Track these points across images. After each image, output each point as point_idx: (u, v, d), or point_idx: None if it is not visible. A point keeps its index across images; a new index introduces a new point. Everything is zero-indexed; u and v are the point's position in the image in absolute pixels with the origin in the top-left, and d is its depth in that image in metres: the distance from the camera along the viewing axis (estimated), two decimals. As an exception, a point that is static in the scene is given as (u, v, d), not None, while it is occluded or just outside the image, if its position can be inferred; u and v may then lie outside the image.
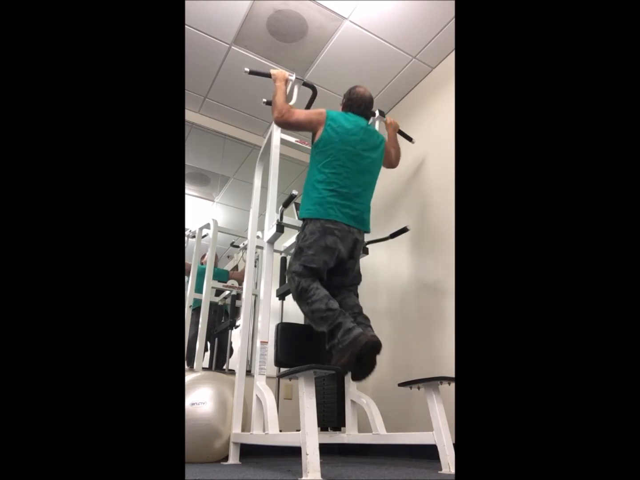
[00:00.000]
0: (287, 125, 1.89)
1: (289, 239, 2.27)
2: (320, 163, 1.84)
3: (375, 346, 1.50)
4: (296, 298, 1.72)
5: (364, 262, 2.54)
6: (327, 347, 1.59)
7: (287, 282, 1.77)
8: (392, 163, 2.25)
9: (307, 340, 1.96)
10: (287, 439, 1.58)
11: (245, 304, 2.18)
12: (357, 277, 1.90)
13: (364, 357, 1.49)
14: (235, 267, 3.20)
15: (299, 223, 1.94)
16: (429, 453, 1.64)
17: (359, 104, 1.99)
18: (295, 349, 1.91)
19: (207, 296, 2.64)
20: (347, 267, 1.84)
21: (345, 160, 1.83)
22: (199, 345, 2.50)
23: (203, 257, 2.91)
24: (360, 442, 1.93)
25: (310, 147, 2.43)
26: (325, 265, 1.72)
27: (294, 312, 2.90)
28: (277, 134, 2.25)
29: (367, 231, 1.90)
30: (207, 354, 2.78)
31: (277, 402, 2.16)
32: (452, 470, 1.39)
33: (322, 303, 1.59)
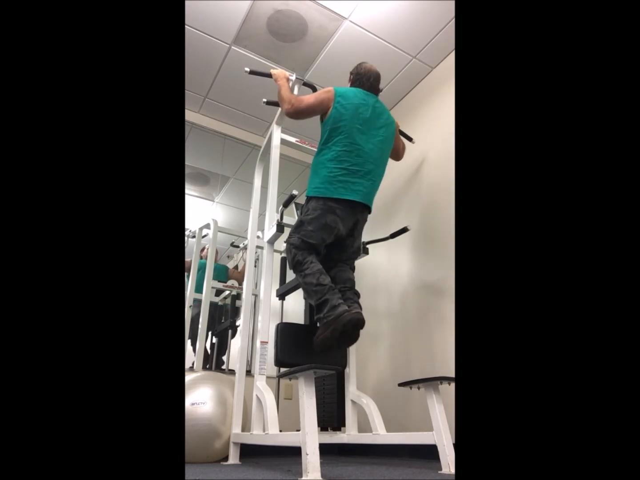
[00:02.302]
0: (299, 113, 1.89)
1: (289, 239, 2.27)
2: (331, 141, 1.84)
3: (357, 323, 1.56)
4: (291, 268, 1.79)
5: (363, 262, 2.54)
6: (314, 319, 1.67)
7: (285, 251, 1.83)
8: (399, 154, 2.25)
9: (307, 340, 1.95)
10: (287, 439, 1.58)
11: (245, 304, 2.18)
12: (356, 253, 1.94)
13: (346, 332, 1.56)
14: (235, 267, 3.20)
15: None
16: (429, 453, 1.64)
17: (368, 77, 1.98)
18: (295, 349, 1.91)
19: (207, 296, 2.64)
20: (346, 244, 1.87)
21: (356, 137, 1.83)
22: (199, 345, 2.50)
23: (202, 250, 2.91)
24: (360, 442, 1.93)
25: (310, 147, 2.44)
26: (323, 242, 1.77)
27: (294, 312, 2.91)
28: (277, 134, 2.25)
29: (371, 209, 1.91)
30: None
31: (277, 402, 2.16)
32: (452, 470, 1.39)
33: (314, 277, 1.65)
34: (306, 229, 1.75)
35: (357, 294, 1.83)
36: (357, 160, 1.81)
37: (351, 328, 1.55)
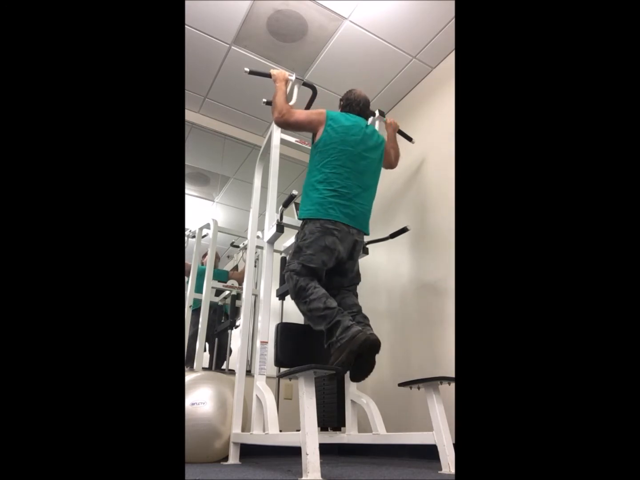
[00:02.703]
0: (287, 125, 1.89)
1: (289, 239, 2.27)
2: (320, 163, 1.84)
3: (374, 344, 1.49)
4: (294, 297, 1.71)
5: (363, 262, 2.54)
6: (326, 345, 1.58)
7: (285, 280, 1.77)
8: (392, 163, 2.25)
9: (307, 340, 1.95)
10: (287, 439, 1.58)
11: (245, 304, 2.18)
12: (356, 278, 1.90)
13: (362, 356, 1.49)
14: (235, 267, 3.20)
15: (299, 223, 1.94)
16: (429, 453, 1.64)
17: (357, 102, 2.01)
18: (295, 349, 1.91)
19: (207, 296, 2.64)
20: (346, 268, 1.83)
21: (346, 160, 1.82)
22: (199, 345, 2.50)
23: (204, 256, 2.90)
24: (360, 442, 1.93)
25: (310, 147, 2.44)
26: (324, 266, 1.71)
27: (294, 312, 2.90)
28: (277, 134, 2.25)
29: (367, 233, 1.89)
30: (207, 354, 2.78)
31: (277, 402, 2.16)
32: (452, 470, 1.39)
33: (320, 302, 1.58)
34: (305, 254, 1.70)
35: (367, 318, 1.77)
36: (346, 182, 1.80)
37: (367, 350, 1.47)
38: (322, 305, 1.57)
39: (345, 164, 1.82)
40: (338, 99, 2.15)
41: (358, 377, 1.60)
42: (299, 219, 1.84)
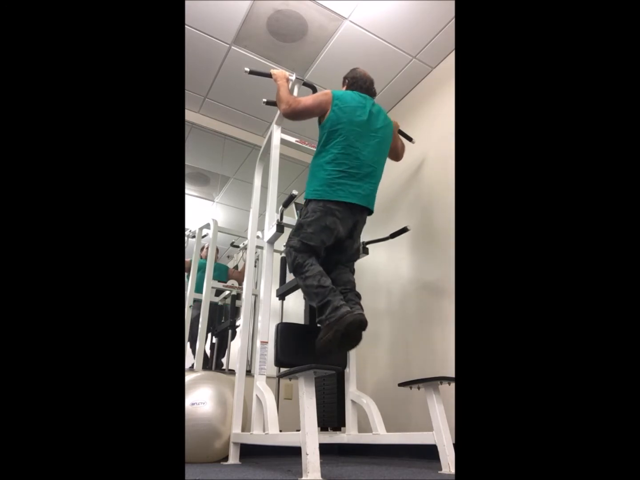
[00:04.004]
0: (297, 114, 1.89)
1: (289, 239, 2.27)
2: (329, 144, 1.83)
3: (360, 324, 1.55)
4: (292, 271, 1.78)
5: (363, 262, 2.54)
6: (317, 322, 1.66)
7: (285, 254, 1.82)
8: (398, 155, 2.25)
9: (307, 340, 1.95)
10: (287, 439, 1.58)
11: (245, 304, 2.18)
12: (355, 255, 1.94)
13: (349, 334, 1.55)
14: (235, 267, 3.20)
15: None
16: (429, 453, 1.64)
17: (364, 81, 2.00)
18: (295, 349, 1.91)
19: (207, 296, 2.64)
20: (346, 246, 1.87)
21: (354, 140, 1.82)
22: (199, 345, 2.50)
23: (202, 249, 2.90)
24: (360, 442, 1.93)
25: (310, 147, 2.44)
26: (323, 244, 1.76)
27: (294, 312, 2.91)
28: (277, 134, 2.25)
29: (372, 211, 1.90)
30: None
31: (277, 402, 2.16)
32: (452, 470, 1.39)
33: (315, 279, 1.64)
34: (306, 232, 1.75)
35: (359, 296, 1.82)
36: (355, 162, 1.80)
37: (354, 329, 1.54)
38: (316, 282, 1.64)
39: (354, 143, 1.82)
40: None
41: (345, 349, 1.72)
42: (305, 199, 1.84)
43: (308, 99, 1.89)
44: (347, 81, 2.05)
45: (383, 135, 1.93)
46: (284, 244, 2.27)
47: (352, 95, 1.92)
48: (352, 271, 1.93)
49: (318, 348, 1.58)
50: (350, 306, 1.63)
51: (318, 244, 1.74)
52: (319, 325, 1.64)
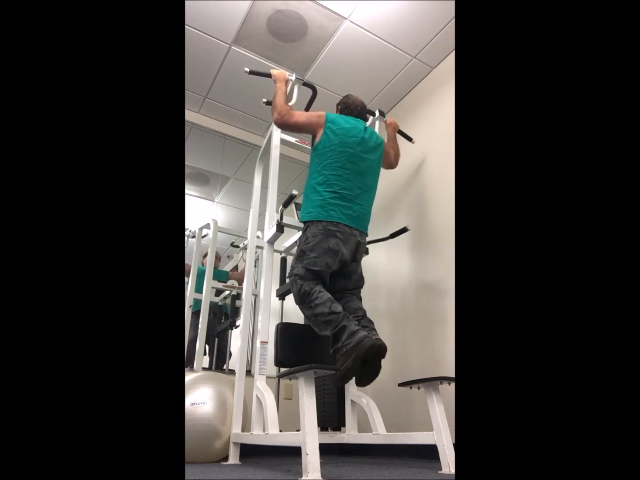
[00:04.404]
0: (286, 126, 1.90)
1: (289, 239, 2.27)
2: (320, 165, 1.84)
3: (379, 349, 1.47)
4: (298, 302, 1.69)
5: (364, 262, 2.54)
6: (331, 351, 1.57)
7: (289, 285, 1.75)
8: (392, 163, 2.25)
9: (307, 340, 1.96)
10: (287, 439, 1.58)
11: (245, 304, 2.18)
12: (360, 281, 1.88)
13: (368, 361, 1.47)
14: (235, 267, 3.20)
15: (299, 223, 1.94)
16: (429, 453, 1.64)
17: (355, 106, 2.02)
18: (295, 349, 1.91)
19: (207, 296, 2.64)
20: (350, 270, 1.82)
21: (345, 162, 1.82)
22: (199, 345, 2.50)
23: (204, 256, 2.90)
24: (360, 442, 1.93)
25: (310, 147, 2.44)
26: (328, 268, 1.70)
27: (294, 312, 2.90)
28: (277, 134, 2.25)
29: (366, 234, 1.89)
30: (207, 356, 2.78)
31: (277, 402, 2.16)
32: (452, 470, 1.39)
33: (326, 306, 1.56)
34: (309, 257, 1.69)
35: (372, 322, 1.75)
36: (347, 184, 1.80)
37: (373, 355, 1.45)
38: (328, 310, 1.55)
39: (345, 165, 1.82)
40: (338, 99, 2.15)
41: (364, 381, 1.57)
42: (301, 221, 1.83)
43: (301, 116, 1.90)
44: (339, 107, 2.07)
45: (374, 157, 1.93)
46: (286, 242, 2.28)
47: (346, 119, 1.94)
48: (360, 299, 1.87)
49: (336, 380, 1.46)
50: (367, 331, 1.55)
51: (323, 268, 1.68)
52: (336, 356, 1.52)
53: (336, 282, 1.80)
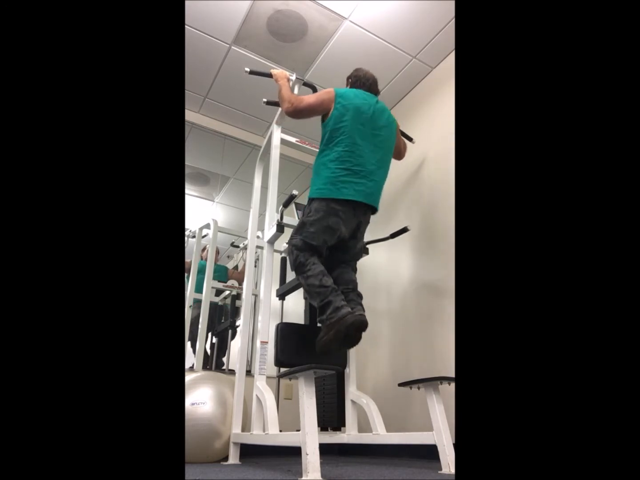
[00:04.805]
0: (299, 112, 1.88)
1: (289, 239, 2.27)
2: (332, 142, 1.82)
3: (361, 325, 1.56)
4: (293, 270, 1.77)
5: (364, 262, 2.54)
6: (317, 321, 1.66)
7: (287, 253, 1.82)
8: (400, 153, 2.24)
9: (307, 340, 1.95)
10: (287, 439, 1.58)
11: (245, 304, 2.18)
12: (358, 254, 1.94)
13: (349, 335, 1.56)
14: (235, 267, 3.20)
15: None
16: (429, 453, 1.64)
17: (366, 79, 2.00)
18: (295, 349, 1.91)
19: (207, 296, 2.64)
20: (349, 245, 1.86)
21: (357, 138, 1.81)
22: (199, 345, 2.50)
23: (203, 250, 2.90)
24: (360, 442, 1.93)
25: (310, 147, 2.44)
26: (325, 244, 1.75)
27: (294, 312, 2.91)
28: (277, 134, 2.25)
29: (377, 209, 1.89)
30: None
31: (277, 402, 2.16)
32: (452, 470, 1.39)
33: (317, 279, 1.64)
34: (308, 231, 1.74)
35: (360, 296, 1.82)
36: (359, 160, 1.79)
37: (354, 330, 1.55)
38: (318, 282, 1.63)
39: (357, 141, 1.81)
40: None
41: (344, 348, 1.73)
42: (310, 198, 1.83)
43: (311, 97, 1.89)
44: (350, 80, 2.04)
45: (387, 133, 1.92)
46: (286, 241, 2.28)
47: (356, 93, 1.91)
48: (355, 270, 1.93)
49: (318, 348, 1.58)
50: (351, 307, 1.63)
51: (320, 244, 1.74)
52: (319, 325, 1.65)
53: (334, 253, 1.86)
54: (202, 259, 2.88)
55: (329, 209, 1.74)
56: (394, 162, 2.31)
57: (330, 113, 1.86)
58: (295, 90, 2.11)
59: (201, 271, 2.76)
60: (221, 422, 1.94)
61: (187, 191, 3.22)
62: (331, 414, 2.25)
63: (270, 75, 2.07)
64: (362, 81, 1.99)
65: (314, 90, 2.22)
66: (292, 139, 2.39)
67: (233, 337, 2.86)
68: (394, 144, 2.00)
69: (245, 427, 2.01)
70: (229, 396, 2.02)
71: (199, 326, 2.55)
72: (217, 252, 3.03)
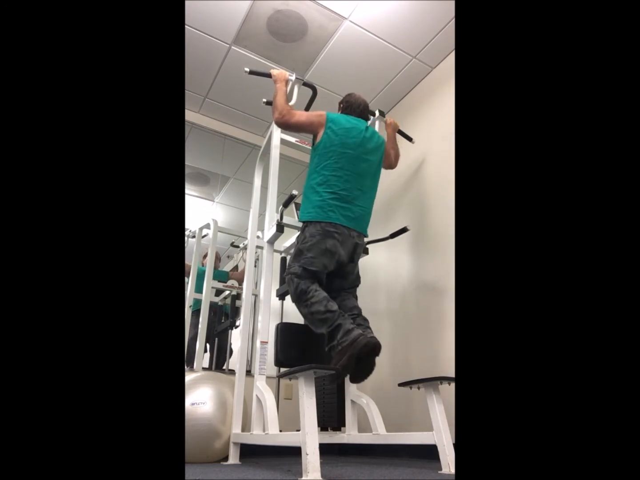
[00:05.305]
0: (287, 126, 1.90)
1: (289, 239, 2.27)
2: (320, 165, 1.83)
3: (374, 347, 1.50)
4: (295, 300, 1.71)
5: (364, 261, 2.54)
6: (327, 349, 1.59)
7: (286, 283, 1.76)
8: (392, 164, 2.25)
9: (307, 340, 1.96)
10: (287, 439, 1.58)
11: (245, 304, 2.18)
12: (356, 280, 1.90)
13: (363, 359, 1.50)
14: (235, 267, 3.20)
15: (299, 223, 1.94)
16: (429, 453, 1.64)
17: (357, 105, 2.01)
18: (295, 349, 1.91)
19: (207, 296, 2.64)
20: (347, 271, 1.83)
21: (345, 163, 1.82)
22: (199, 345, 2.50)
23: (204, 257, 2.90)
24: (360, 442, 1.93)
25: (310, 147, 2.44)
26: (325, 269, 1.71)
27: (294, 312, 2.89)
28: (277, 134, 2.25)
29: (366, 236, 1.89)
30: (207, 354, 2.78)
31: (277, 402, 2.16)
32: (452, 470, 1.39)
33: (322, 305, 1.58)
34: (306, 257, 1.70)
35: (367, 320, 1.78)
36: (346, 185, 1.79)
37: (367, 353, 1.48)
38: (323, 308, 1.57)
39: (345, 166, 1.81)
40: (338, 99, 2.15)
41: (358, 378, 1.60)
42: (300, 221, 1.83)
43: (302, 116, 1.89)
44: (342, 105, 2.06)
45: (374, 158, 1.93)
46: (285, 242, 2.28)
47: (347, 119, 1.93)
48: (356, 297, 1.89)
49: (332, 378, 1.50)
50: (362, 329, 1.57)
51: (320, 269, 1.69)
52: (331, 353, 1.56)
53: (333, 281, 1.82)
54: (202, 265, 2.87)
55: (324, 231, 1.71)
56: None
57: (320, 137, 1.87)
58: (295, 90, 2.11)
59: (200, 277, 2.75)
60: (221, 422, 1.94)
61: (187, 191, 3.22)
62: (331, 414, 2.25)
63: (270, 76, 2.07)
64: (354, 107, 2.01)
65: (314, 90, 2.22)
66: (292, 139, 2.39)
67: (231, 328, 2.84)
68: (381, 167, 2.01)
69: (245, 427, 2.01)
70: (229, 396, 2.02)
71: (199, 326, 2.55)
72: (219, 259, 3.03)
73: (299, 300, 1.68)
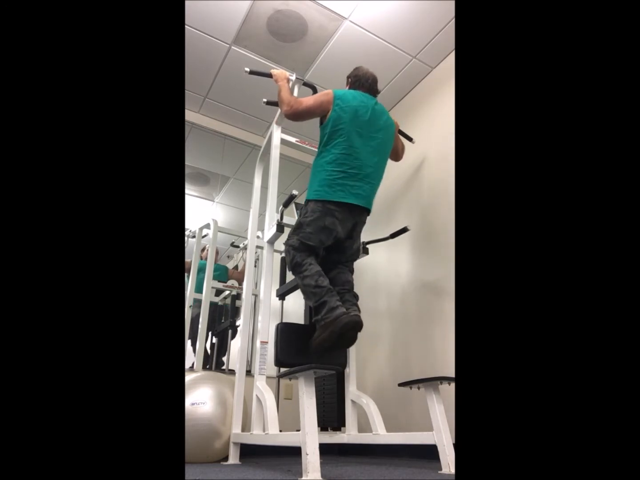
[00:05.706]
0: (298, 115, 1.89)
1: (289, 239, 2.27)
2: (329, 144, 1.83)
3: (355, 326, 1.57)
4: (290, 270, 1.79)
5: (363, 262, 2.54)
6: (312, 321, 1.68)
7: (284, 253, 1.84)
8: (398, 155, 2.25)
9: (307, 340, 1.95)
10: (287, 439, 1.58)
11: (245, 304, 2.18)
12: (355, 255, 1.95)
13: (344, 334, 1.57)
14: (235, 267, 3.20)
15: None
16: (429, 453, 1.64)
17: (366, 79, 1.99)
18: (295, 349, 1.91)
19: (207, 296, 2.64)
20: (345, 246, 1.88)
21: (355, 140, 1.82)
22: (199, 345, 2.50)
23: (203, 250, 2.91)
24: (360, 442, 1.93)
25: (310, 147, 2.44)
26: (322, 244, 1.77)
27: (294, 312, 2.91)
28: (277, 134, 2.25)
29: (370, 211, 1.90)
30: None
31: (277, 402, 2.16)
32: (452, 470, 1.39)
33: (313, 279, 1.66)
34: (305, 231, 1.75)
35: (356, 297, 1.83)
36: (356, 163, 1.80)
37: (349, 330, 1.56)
38: (314, 282, 1.65)
39: (354, 144, 1.81)
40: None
41: (339, 348, 1.74)
42: (307, 200, 1.84)
43: (309, 100, 1.89)
44: (350, 80, 2.04)
45: (384, 136, 1.92)
46: (284, 242, 2.28)
47: (354, 95, 1.91)
48: (352, 271, 1.94)
49: (313, 348, 1.61)
50: (346, 307, 1.64)
51: (317, 244, 1.75)
52: (316, 326, 1.66)
53: (330, 254, 1.88)
54: (202, 258, 2.89)
55: (325, 209, 1.75)
56: (394, 162, 2.32)
57: (328, 115, 1.86)
58: (295, 91, 2.11)
59: (201, 270, 2.77)
60: (221, 422, 1.94)
61: (187, 191, 3.22)
62: (331, 414, 2.25)
63: (270, 76, 2.07)
64: (362, 81, 1.98)
65: (314, 90, 2.22)
66: (292, 139, 2.39)
67: (233, 336, 2.86)
68: (392, 146, 2.01)
69: (245, 427, 2.01)
70: (229, 396, 2.02)
71: (199, 326, 2.55)
72: (217, 253, 3.04)
73: (293, 271, 1.77)
